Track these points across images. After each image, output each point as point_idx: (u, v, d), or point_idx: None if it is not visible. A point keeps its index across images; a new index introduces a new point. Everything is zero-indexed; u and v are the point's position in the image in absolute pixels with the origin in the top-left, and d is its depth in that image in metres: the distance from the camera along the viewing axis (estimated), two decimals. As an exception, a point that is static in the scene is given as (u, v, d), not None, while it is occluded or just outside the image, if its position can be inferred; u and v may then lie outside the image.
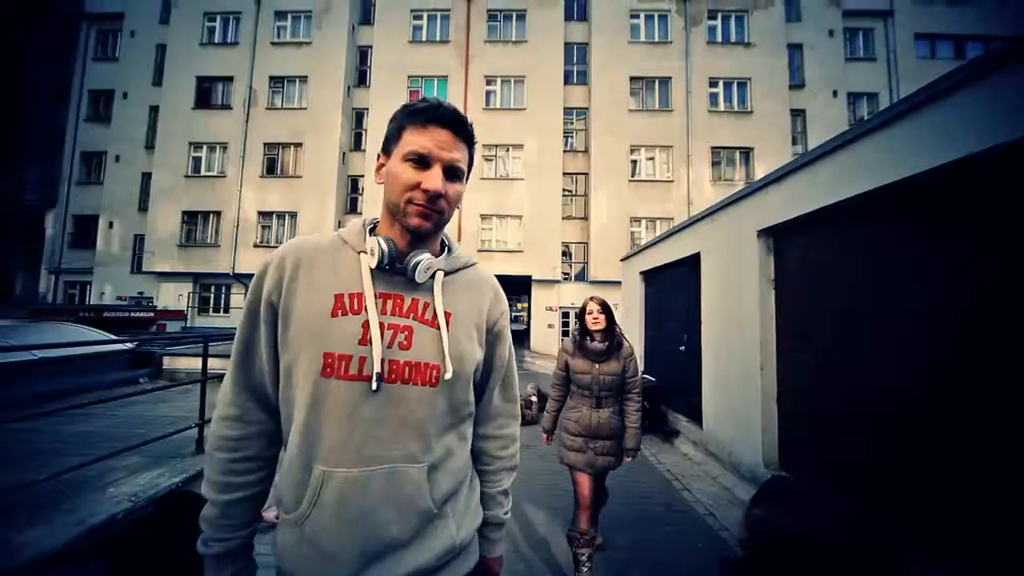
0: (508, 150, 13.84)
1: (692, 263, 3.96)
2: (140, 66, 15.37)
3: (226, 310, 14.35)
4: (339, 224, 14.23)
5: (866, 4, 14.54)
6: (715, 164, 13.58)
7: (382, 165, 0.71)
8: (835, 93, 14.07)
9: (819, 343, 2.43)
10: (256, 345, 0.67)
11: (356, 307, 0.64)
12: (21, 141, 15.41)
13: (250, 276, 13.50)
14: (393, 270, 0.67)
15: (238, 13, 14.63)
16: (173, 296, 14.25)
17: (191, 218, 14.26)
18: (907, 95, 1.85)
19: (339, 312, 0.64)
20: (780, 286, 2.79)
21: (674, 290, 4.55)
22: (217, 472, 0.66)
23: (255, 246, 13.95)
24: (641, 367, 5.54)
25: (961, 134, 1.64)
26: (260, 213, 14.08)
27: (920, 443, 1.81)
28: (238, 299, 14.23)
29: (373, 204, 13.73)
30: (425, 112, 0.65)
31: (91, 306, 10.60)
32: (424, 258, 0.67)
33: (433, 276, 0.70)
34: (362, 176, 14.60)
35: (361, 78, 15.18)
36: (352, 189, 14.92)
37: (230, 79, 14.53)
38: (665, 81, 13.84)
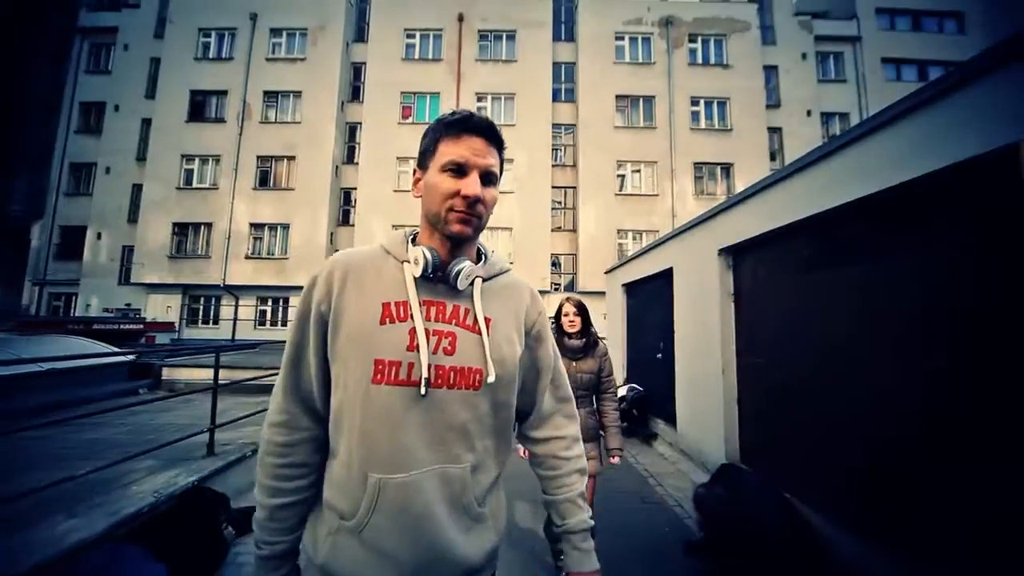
0: (499, 164, 14.28)
1: (666, 277, 4.32)
2: (133, 79, 15.55)
3: (216, 322, 14.35)
4: (331, 236, 14.45)
5: (836, 30, 15.53)
6: (698, 179, 14.20)
7: (419, 179, 0.75)
8: (809, 112, 14.90)
9: (766, 349, 2.78)
10: (306, 353, 0.69)
11: (402, 315, 0.67)
12: (7, 152, 15.36)
13: (241, 288, 13.63)
14: (435, 278, 0.70)
15: (233, 29, 14.98)
16: (161, 308, 14.21)
17: (182, 229, 14.33)
18: (820, 146, 2.24)
19: (387, 320, 0.66)
20: (737, 298, 3.16)
21: (652, 302, 4.91)
22: (267, 477, 0.67)
23: (246, 258, 14.06)
24: (624, 375, 5.86)
25: (844, 183, 2.02)
26: (252, 225, 14.22)
27: (840, 436, 2.15)
28: (227, 311, 14.26)
29: (366, 216, 14.00)
30: (459, 123, 0.69)
31: (80, 318, 10.58)
32: (465, 266, 0.69)
33: (472, 283, 0.72)
34: (355, 188, 14.87)
35: (355, 93, 15.57)
36: (345, 201, 15.17)
37: (224, 93, 14.79)
38: (649, 99, 14.52)
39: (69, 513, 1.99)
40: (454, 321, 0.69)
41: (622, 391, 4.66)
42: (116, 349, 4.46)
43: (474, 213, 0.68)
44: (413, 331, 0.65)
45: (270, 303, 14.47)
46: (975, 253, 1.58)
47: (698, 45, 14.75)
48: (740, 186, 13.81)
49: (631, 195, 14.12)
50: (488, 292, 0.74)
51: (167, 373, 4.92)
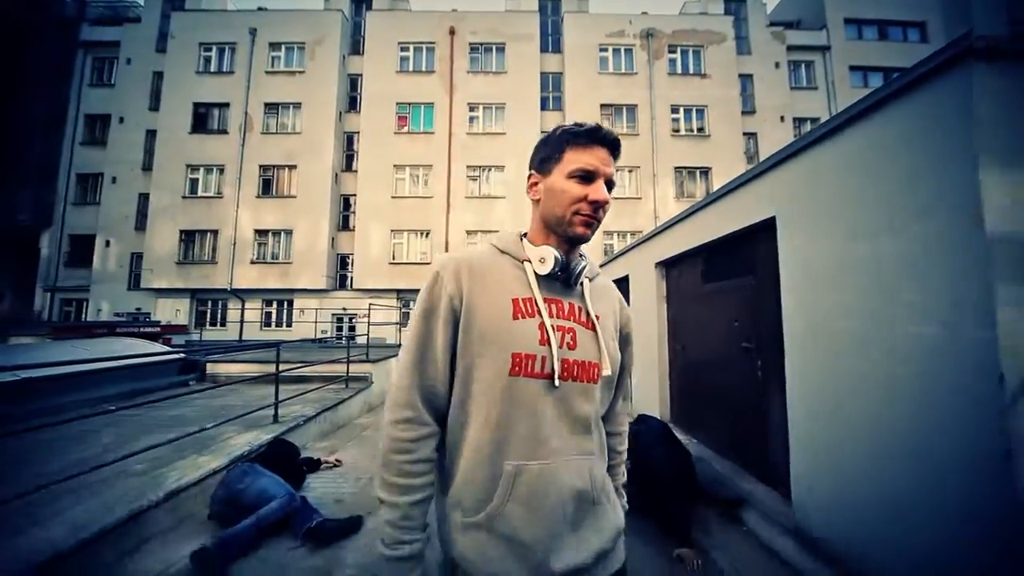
0: (490, 171, 15.27)
1: (626, 282, 5.38)
2: (136, 92, 16.30)
3: (223, 324, 15.22)
4: (332, 241, 15.35)
5: (806, 40, 16.63)
6: (678, 182, 15.27)
7: (537, 183, 0.78)
8: (782, 118, 16.01)
9: (682, 338, 3.82)
10: (432, 349, 0.70)
11: (530, 311, 0.70)
12: (14, 165, 16.08)
13: (247, 291, 14.51)
14: (553, 277, 0.73)
15: (233, 44, 15.77)
16: (171, 311, 15.06)
17: (189, 236, 15.17)
18: (703, 198, 3.27)
19: (519, 315, 0.70)
20: (668, 300, 4.20)
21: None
22: (395, 475, 0.67)
23: (252, 263, 14.94)
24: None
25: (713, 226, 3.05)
26: (256, 231, 15.09)
27: (713, 396, 3.20)
28: (234, 314, 15.14)
29: (365, 222, 14.92)
30: (588, 134, 0.73)
31: (104, 323, 11.45)
32: (587, 264, 0.75)
33: (582, 282, 0.76)
34: (353, 195, 15.75)
35: (351, 103, 16.44)
36: (344, 207, 16.06)
37: (226, 105, 15.60)
38: (632, 108, 15.55)
39: (199, 454, 3.00)
40: (572, 318, 0.73)
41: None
42: (169, 348, 5.38)
43: (597, 217, 0.73)
44: (542, 326, 0.69)
45: (275, 305, 15.37)
46: (755, 282, 2.62)
47: (677, 56, 15.78)
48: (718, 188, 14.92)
49: (617, 199, 15.13)
50: (592, 291, 0.79)
51: (210, 368, 5.89)
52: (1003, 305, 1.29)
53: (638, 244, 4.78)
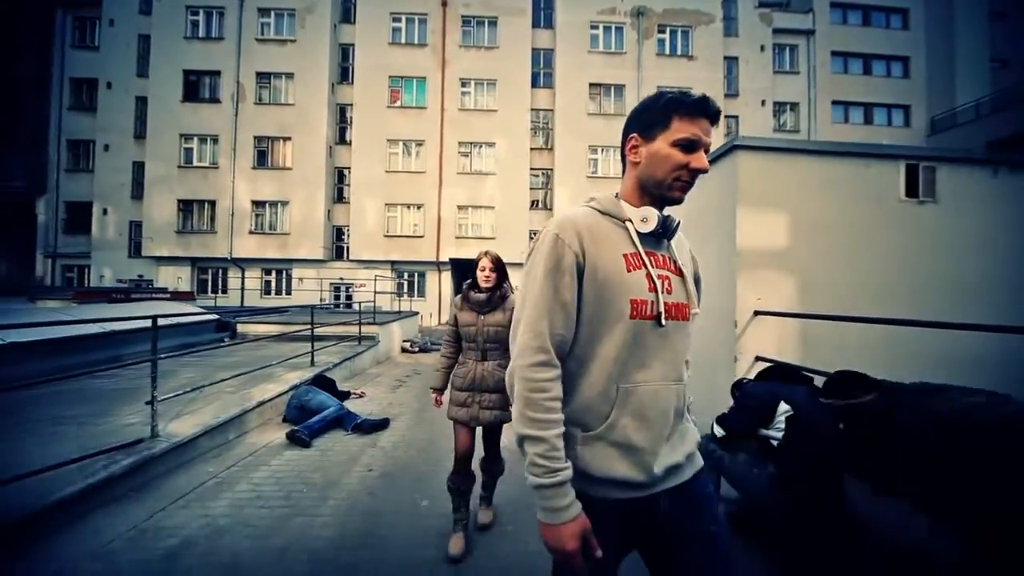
0: (481, 148, 15.98)
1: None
2: (122, 56, 16.28)
3: (224, 291, 16.16)
4: (328, 213, 16.11)
5: (792, 23, 17.19)
6: (660, 164, 16.22)
7: (637, 146, 0.86)
8: (763, 102, 16.85)
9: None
10: (561, 300, 0.80)
11: (638, 264, 0.83)
12: (3, 130, 16.20)
13: (247, 260, 15.37)
14: (652, 234, 0.85)
15: (221, 8, 15.72)
16: (172, 278, 15.91)
17: (186, 206, 15.78)
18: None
19: (631, 268, 0.82)
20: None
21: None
22: (540, 412, 0.76)
23: (250, 233, 15.71)
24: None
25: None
26: (253, 202, 15.75)
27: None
28: (235, 281, 16.06)
29: (360, 195, 15.67)
30: (697, 106, 0.81)
31: (121, 289, 12.34)
32: (679, 222, 0.88)
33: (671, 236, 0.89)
34: (348, 168, 16.37)
35: (343, 75, 16.69)
36: (339, 180, 16.70)
37: (217, 73, 15.77)
38: (620, 88, 16.19)
39: (266, 383, 4.23)
40: (666, 267, 0.87)
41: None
42: (203, 309, 6.47)
43: (692, 183, 0.84)
44: (648, 276, 0.83)
45: (274, 274, 16.31)
46: None
47: (666, 36, 16.29)
48: (697, 171, 15.96)
49: (602, 178, 16.10)
50: (675, 244, 0.93)
51: (240, 328, 7.03)
52: (739, 284, 2.54)
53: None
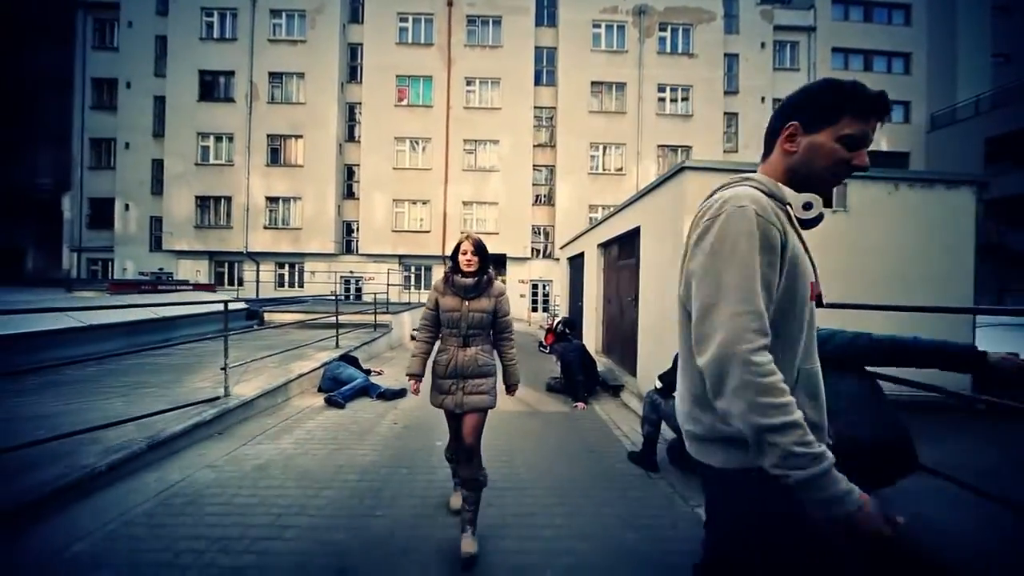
0: (486, 145, 16.61)
1: (582, 256, 7.32)
2: (140, 56, 17.06)
3: (240, 283, 17.07)
4: (339, 209, 16.88)
5: (794, 20, 17.51)
6: (660, 159, 16.76)
7: (794, 135, 0.84)
8: (763, 99, 17.25)
9: (609, 298, 5.81)
10: (766, 277, 0.77)
11: (804, 245, 0.84)
12: (29, 129, 17.12)
13: (261, 254, 16.22)
14: (805, 219, 0.85)
15: (235, 9, 16.41)
16: (191, 271, 16.84)
17: (204, 202, 16.64)
18: (616, 206, 5.13)
19: (805, 250, 0.84)
20: (605, 271, 6.16)
21: (579, 272, 7.91)
22: (780, 396, 0.70)
23: (264, 228, 16.56)
24: (566, 314, 8.94)
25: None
26: (267, 198, 16.58)
27: (624, 342, 5.22)
28: (250, 274, 16.96)
29: (369, 191, 16.41)
30: (872, 104, 0.78)
31: (149, 281, 13.27)
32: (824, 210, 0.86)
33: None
34: (357, 165, 17.10)
35: (352, 74, 17.35)
36: (348, 176, 17.45)
37: (231, 73, 16.51)
38: (621, 86, 16.69)
39: (301, 360, 5.03)
40: (807, 251, 0.87)
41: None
42: (232, 298, 7.32)
43: (845, 179, 0.84)
44: (809, 258, 0.85)
45: (287, 267, 17.18)
46: (635, 263, 4.55)
47: (667, 34, 16.71)
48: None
49: (602, 174, 16.70)
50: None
51: (267, 316, 7.87)
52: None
53: (589, 230, 6.67)
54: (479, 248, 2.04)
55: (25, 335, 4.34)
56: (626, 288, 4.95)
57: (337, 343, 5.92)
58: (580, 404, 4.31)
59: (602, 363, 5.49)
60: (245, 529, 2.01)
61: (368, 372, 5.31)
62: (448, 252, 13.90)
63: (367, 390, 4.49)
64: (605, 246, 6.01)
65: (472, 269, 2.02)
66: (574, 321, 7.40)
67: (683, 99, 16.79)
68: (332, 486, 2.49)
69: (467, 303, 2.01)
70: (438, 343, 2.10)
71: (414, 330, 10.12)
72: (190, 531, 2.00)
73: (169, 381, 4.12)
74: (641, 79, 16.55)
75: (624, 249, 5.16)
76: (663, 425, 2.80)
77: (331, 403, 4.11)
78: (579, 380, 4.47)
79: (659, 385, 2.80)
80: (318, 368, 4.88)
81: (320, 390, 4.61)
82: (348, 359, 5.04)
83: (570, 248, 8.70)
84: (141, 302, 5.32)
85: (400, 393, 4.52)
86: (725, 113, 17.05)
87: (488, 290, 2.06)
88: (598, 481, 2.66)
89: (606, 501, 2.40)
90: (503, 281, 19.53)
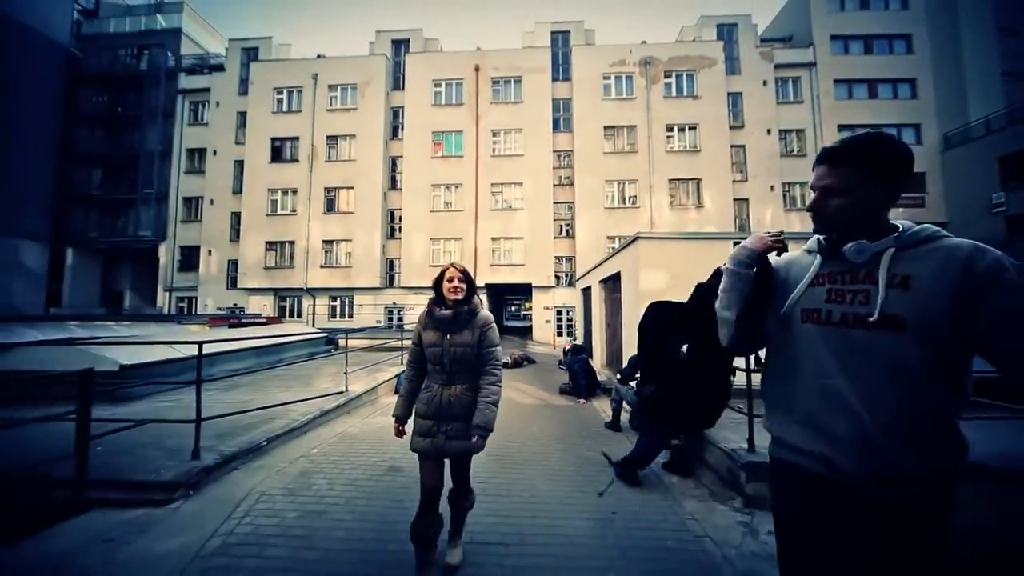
0: (511, 187, 18.99)
1: (589, 289, 9.14)
2: (225, 128, 21.07)
3: (299, 315, 19.92)
4: (383, 248, 19.60)
5: (793, 58, 19.16)
6: (672, 193, 18.45)
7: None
8: (768, 131, 18.76)
9: (611, 322, 7.54)
10: None
11: None
12: (135, 191, 21.30)
13: (317, 290, 19.06)
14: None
15: (300, 87, 20.14)
16: (259, 306, 19.90)
17: (271, 246, 19.89)
18: (608, 255, 7.00)
19: None
20: (605, 302, 7.94)
21: (589, 302, 9.69)
22: None
23: (321, 267, 19.48)
24: (580, 339, 10.66)
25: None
26: (324, 241, 19.59)
27: (615, 356, 6.93)
28: (308, 307, 19.79)
29: (409, 233, 19.06)
30: (818, 157, 1.06)
31: (236, 316, 16.20)
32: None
33: None
34: (398, 209, 19.89)
35: (394, 132, 20.51)
36: (391, 220, 20.27)
37: (296, 139, 20.07)
38: (632, 128, 18.78)
39: (378, 372, 7.11)
40: None
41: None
42: (318, 329, 9.62)
43: (818, 217, 1.09)
44: None
45: (339, 300, 19.93)
46: (619, 296, 6.33)
47: (672, 80, 18.79)
48: (707, 198, 18.04)
49: (617, 208, 18.56)
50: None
51: (341, 343, 10.14)
52: (639, 308, 5.06)
53: (592, 269, 8.53)
54: (466, 276, 1.98)
55: (208, 356, 6.64)
56: (613, 314, 6.72)
57: (402, 360, 7.98)
58: (582, 400, 6.04)
59: (604, 374, 7.19)
60: (383, 454, 3.94)
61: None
62: (479, 283, 16.31)
63: (429, 392, 6.44)
64: (604, 282, 7.83)
65: (459, 297, 1.94)
66: (582, 347, 9.15)
67: (691, 134, 18.58)
68: (424, 436, 4.40)
69: (448, 337, 1.92)
70: (425, 380, 2.03)
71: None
72: (359, 453, 3.97)
73: (304, 384, 6.26)
74: (650, 121, 18.58)
75: (614, 286, 6.97)
76: (623, 403, 4.53)
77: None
78: (581, 383, 6.22)
79: (618, 378, 4.55)
80: (392, 378, 6.89)
81: (396, 392, 6.60)
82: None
83: (582, 281, 10.54)
84: (265, 333, 7.65)
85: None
86: (732, 146, 18.65)
87: (471, 322, 1.95)
88: (585, 435, 4.42)
89: (585, 440, 4.16)
90: (529, 308, 21.13)
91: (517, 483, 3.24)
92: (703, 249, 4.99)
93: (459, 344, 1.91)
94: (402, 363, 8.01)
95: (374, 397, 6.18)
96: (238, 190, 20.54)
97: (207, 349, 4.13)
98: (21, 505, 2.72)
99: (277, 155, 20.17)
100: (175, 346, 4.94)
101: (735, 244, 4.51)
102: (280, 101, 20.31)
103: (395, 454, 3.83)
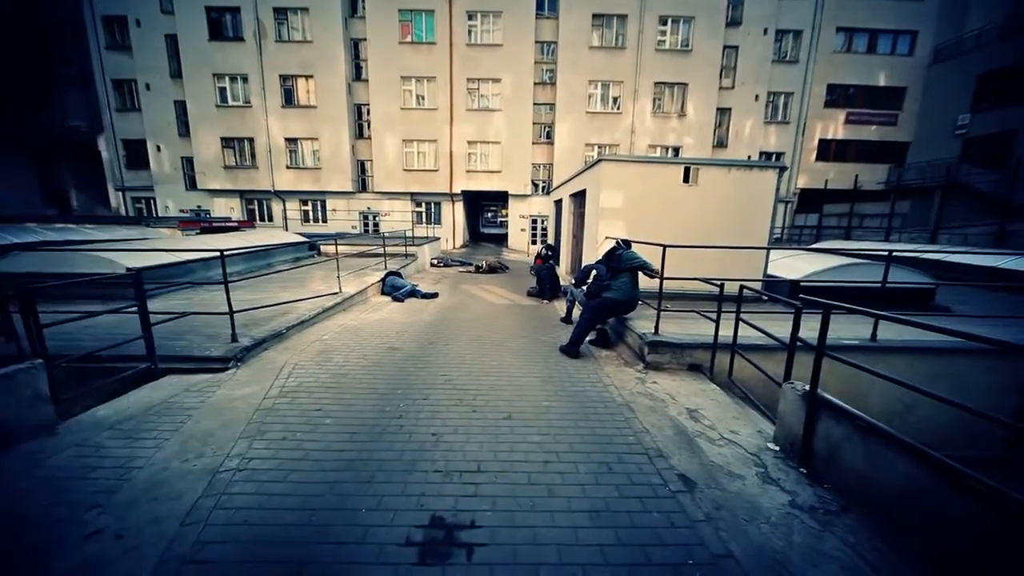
0: (489, 83, 17.88)
1: (560, 203, 9.82)
2: (145, -9, 17.82)
3: (270, 219, 19.73)
4: (353, 148, 18.80)
5: (808, -63, 17.25)
6: (656, 97, 17.98)
7: None
8: (765, 31, 17.80)
9: (576, 236, 8.44)
10: None
11: None
12: (52, 73, 18.64)
13: (287, 193, 18.73)
14: None
15: (233, -62, 16.77)
16: (225, 209, 19.45)
17: (228, 143, 18.67)
18: (575, 172, 7.58)
19: None
20: (578, 215, 8.73)
21: (559, 213, 10.41)
22: None
23: (287, 168, 18.74)
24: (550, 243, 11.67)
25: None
26: (286, 139, 18.50)
27: (577, 264, 7.96)
28: (278, 211, 19.52)
29: (380, 132, 18.20)
30: None
31: (207, 219, 15.99)
32: None
33: None
34: (366, 104, 18.61)
35: (353, 7, 18.04)
36: (358, 116, 19.05)
37: (236, 9, 17.43)
38: (623, 18, 17.33)
39: (365, 275, 7.98)
40: None
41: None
42: (303, 236, 10.07)
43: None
44: None
45: (311, 205, 19.67)
46: (584, 211, 7.13)
47: (672, -42, 16.83)
48: (690, 107, 17.78)
49: (599, 112, 18.11)
50: None
51: (323, 248, 10.70)
52: (600, 225, 5.92)
53: (566, 182, 9.10)
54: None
55: (204, 260, 7.24)
56: (579, 228, 7.59)
57: (385, 265, 8.82)
58: (544, 300, 7.23)
59: (568, 280, 8.33)
60: (383, 339, 5.00)
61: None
62: (455, 190, 16.72)
63: (414, 292, 7.43)
64: (574, 196, 8.51)
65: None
66: (554, 246, 10.15)
67: (684, 29, 17.42)
68: (414, 327, 5.49)
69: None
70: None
71: (432, 258, 12.93)
72: (362, 339, 5.01)
73: (301, 286, 7.09)
74: (643, 10, 17.12)
75: (581, 202, 7.70)
76: (576, 302, 5.69)
77: (395, 299, 7.08)
78: (546, 287, 7.35)
79: (571, 280, 5.62)
80: (378, 281, 7.79)
81: (383, 293, 7.57)
82: (396, 274, 7.94)
83: (555, 193, 11.11)
84: (255, 240, 8.14)
85: (434, 295, 7.48)
86: (726, 46, 17.77)
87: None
88: (544, 327, 5.64)
89: (543, 330, 5.38)
90: (505, 214, 21.56)
91: (491, 359, 4.42)
92: (657, 171, 5.68)
93: None
94: (385, 267, 8.84)
95: (365, 297, 7.13)
96: (176, 73, 18.34)
97: (207, 254, 4.75)
98: (108, 375, 3.65)
99: (217, 30, 17.67)
100: (188, 252, 5.51)
101: (686, 169, 5.32)
102: (210, -44, 17.04)
103: (392, 340, 4.91)
